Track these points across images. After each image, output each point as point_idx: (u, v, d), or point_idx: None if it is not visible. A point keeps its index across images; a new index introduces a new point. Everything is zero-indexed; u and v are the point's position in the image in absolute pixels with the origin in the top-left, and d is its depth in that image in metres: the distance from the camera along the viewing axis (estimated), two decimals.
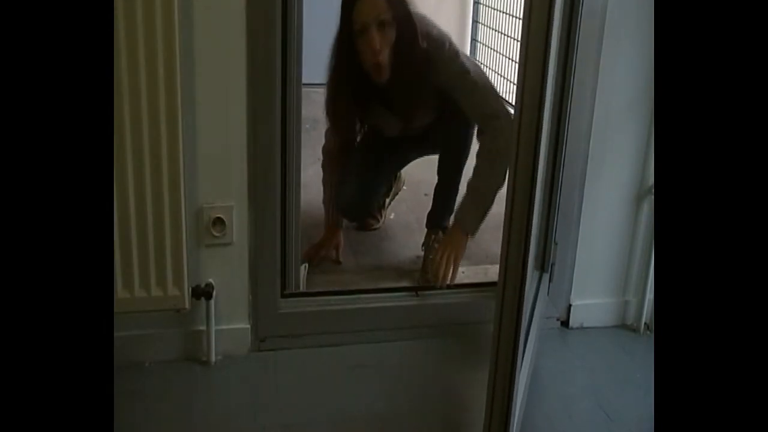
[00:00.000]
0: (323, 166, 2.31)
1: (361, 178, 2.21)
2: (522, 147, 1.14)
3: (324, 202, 2.29)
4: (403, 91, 1.99)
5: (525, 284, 1.20)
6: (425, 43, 1.94)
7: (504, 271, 1.21)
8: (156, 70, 1.44)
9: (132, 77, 1.44)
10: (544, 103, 1.12)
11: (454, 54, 1.98)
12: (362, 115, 2.17)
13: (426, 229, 2.26)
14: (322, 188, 2.30)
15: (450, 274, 1.94)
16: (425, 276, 2.04)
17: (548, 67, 1.10)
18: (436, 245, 2.20)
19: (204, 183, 1.63)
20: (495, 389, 1.28)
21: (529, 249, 1.19)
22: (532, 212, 1.17)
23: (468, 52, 4.36)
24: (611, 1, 1.74)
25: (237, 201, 1.67)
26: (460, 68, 1.97)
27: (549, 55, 1.09)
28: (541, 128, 1.13)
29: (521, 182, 1.16)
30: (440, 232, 2.22)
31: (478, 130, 2.06)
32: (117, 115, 1.43)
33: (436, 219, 2.24)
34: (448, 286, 1.92)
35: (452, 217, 2.09)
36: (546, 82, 1.11)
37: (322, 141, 2.29)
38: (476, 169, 2.00)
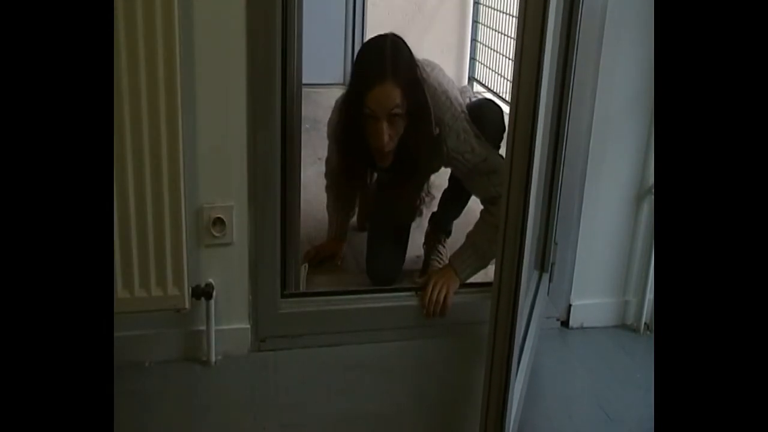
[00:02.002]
0: (328, 188, 2.27)
1: (385, 244, 2.09)
2: (517, 147, 1.14)
3: (327, 208, 2.28)
4: (406, 176, 1.94)
5: (520, 285, 1.20)
6: (438, 129, 1.84)
7: (499, 272, 1.20)
8: (156, 70, 1.44)
9: (132, 77, 1.43)
10: (539, 102, 1.11)
11: (469, 145, 1.86)
12: (367, 181, 2.10)
13: (427, 228, 2.25)
14: (323, 190, 2.30)
15: (440, 307, 1.84)
16: (426, 273, 2.03)
17: (543, 64, 1.09)
18: (439, 247, 2.20)
19: (204, 183, 1.63)
20: (490, 389, 1.28)
21: (524, 250, 1.18)
22: (528, 213, 1.16)
23: (468, 52, 4.35)
24: (611, 1, 1.74)
25: (237, 201, 1.66)
26: (475, 158, 1.86)
27: (544, 52, 1.09)
28: (536, 128, 1.12)
29: (516, 183, 1.15)
30: (443, 236, 2.22)
31: (482, 200, 1.95)
32: (117, 115, 1.43)
33: (440, 222, 2.23)
34: (442, 313, 1.85)
35: (449, 256, 2.00)
36: (541, 79, 1.10)
37: (322, 141, 2.28)
38: (478, 227, 1.91)
